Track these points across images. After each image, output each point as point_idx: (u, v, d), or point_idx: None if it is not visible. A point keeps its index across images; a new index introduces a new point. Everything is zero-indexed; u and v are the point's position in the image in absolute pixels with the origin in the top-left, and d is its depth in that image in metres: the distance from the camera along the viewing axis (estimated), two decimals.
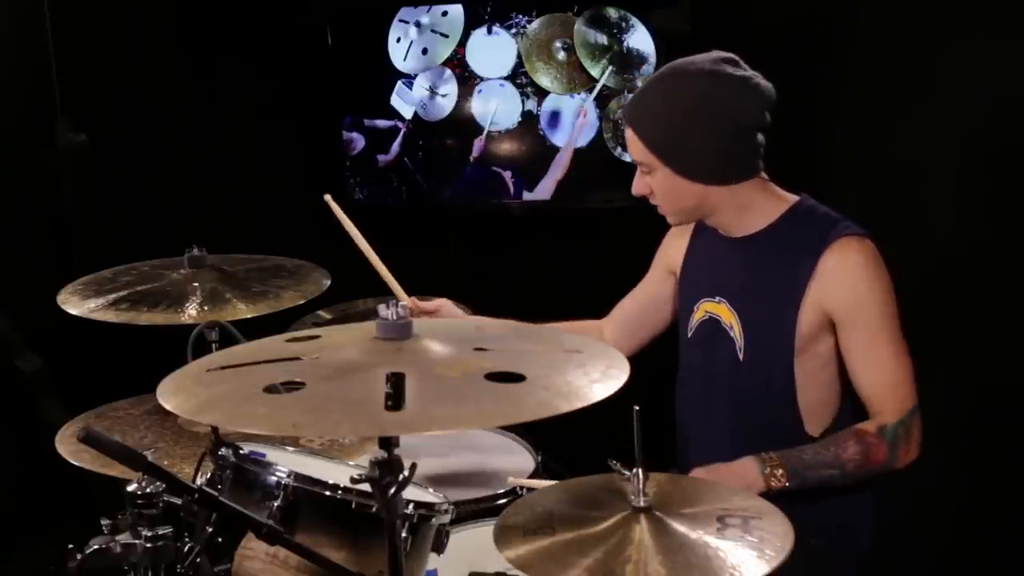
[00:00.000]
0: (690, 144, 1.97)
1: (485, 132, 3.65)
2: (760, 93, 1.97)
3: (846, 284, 1.95)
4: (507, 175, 3.68)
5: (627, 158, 3.56)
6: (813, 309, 1.97)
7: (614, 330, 2.36)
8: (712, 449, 2.09)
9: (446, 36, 3.64)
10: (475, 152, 3.67)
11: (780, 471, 1.90)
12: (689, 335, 2.17)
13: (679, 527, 1.51)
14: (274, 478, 1.63)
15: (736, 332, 2.05)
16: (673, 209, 2.07)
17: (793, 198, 2.08)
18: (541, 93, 3.60)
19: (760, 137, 2.00)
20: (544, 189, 3.66)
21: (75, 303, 2.09)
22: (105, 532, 1.69)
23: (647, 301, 2.34)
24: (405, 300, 2.33)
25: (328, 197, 2.36)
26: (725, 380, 2.08)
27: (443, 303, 2.38)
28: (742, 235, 2.08)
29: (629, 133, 2.04)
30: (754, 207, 2.05)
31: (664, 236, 2.33)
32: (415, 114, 3.69)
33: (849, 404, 2.05)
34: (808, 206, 2.06)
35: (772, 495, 1.87)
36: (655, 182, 2.03)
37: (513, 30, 3.58)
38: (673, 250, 2.28)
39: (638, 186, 2.07)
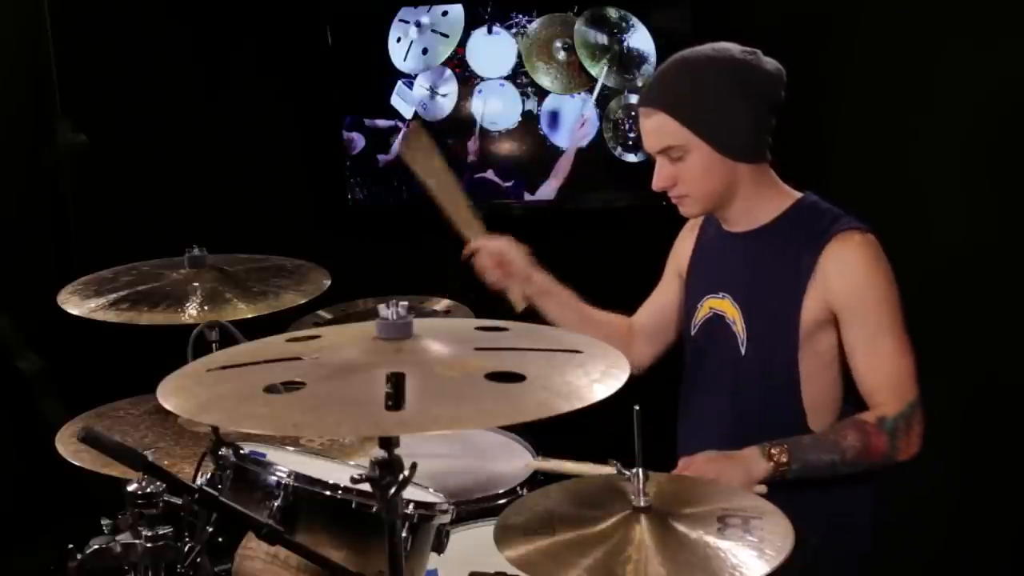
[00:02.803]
0: (727, 117, 1.98)
1: (478, 130, 3.65)
2: (778, 70, 2.03)
3: (848, 277, 1.95)
4: (498, 179, 3.69)
5: (629, 158, 3.60)
6: (815, 303, 1.97)
7: (637, 337, 2.36)
8: (715, 447, 2.09)
9: (446, 36, 3.64)
10: (471, 155, 3.68)
11: (779, 450, 1.89)
12: (693, 333, 2.17)
13: (679, 527, 1.51)
14: (274, 478, 1.63)
15: (739, 327, 2.06)
16: (702, 193, 2.03)
17: (797, 194, 2.09)
18: (541, 93, 3.60)
19: (774, 120, 2.04)
20: (545, 191, 3.66)
21: (75, 303, 2.09)
22: (105, 532, 1.69)
23: (662, 306, 2.33)
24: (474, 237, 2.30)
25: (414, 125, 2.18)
26: (728, 376, 2.08)
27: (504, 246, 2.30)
28: (746, 229, 2.08)
29: (658, 119, 2.00)
30: (765, 196, 2.06)
31: (673, 238, 2.33)
32: (415, 114, 3.69)
33: (852, 405, 2.05)
34: (811, 202, 2.07)
35: (776, 482, 1.88)
36: (687, 166, 2.00)
37: (513, 30, 3.59)
38: (681, 253, 2.28)
39: (662, 178, 2.04)
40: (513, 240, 2.29)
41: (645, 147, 2.07)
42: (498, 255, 2.27)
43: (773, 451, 1.90)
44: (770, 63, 2.03)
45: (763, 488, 1.89)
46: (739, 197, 2.05)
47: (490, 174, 3.69)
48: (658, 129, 2.01)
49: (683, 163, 2.01)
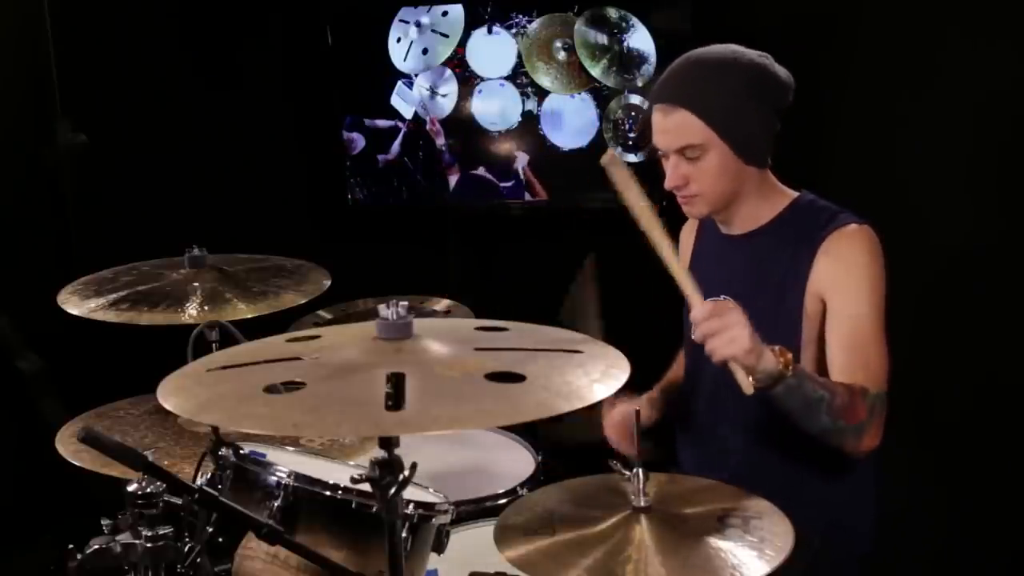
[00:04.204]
0: (747, 121, 1.97)
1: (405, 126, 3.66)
2: (788, 77, 2.02)
3: (838, 264, 1.95)
4: (492, 176, 3.69)
5: (629, 158, 3.59)
6: (813, 299, 1.97)
7: None
8: (722, 448, 2.08)
9: (446, 36, 3.64)
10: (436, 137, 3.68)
11: (788, 356, 1.80)
12: (694, 335, 2.16)
13: (679, 527, 1.51)
14: (274, 478, 1.63)
15: None
16: (714, 193, 2.02)
17: (793, 193, 2.09)
18: (541, 93, 3.60)
19: (778, 125, 2.04)
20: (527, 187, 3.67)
21: (75, 303, 2.09)
22: (105, 532, 1.69)
23: None
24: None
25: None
26: (731, 378, 2.08)
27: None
28: (745, 231, 2.08)
29: (680, 116, 1.97)
30: (767, 198, 2.06)
31: (673, 240, 2.32)
32: (415, 114, 3.69)
33: None
34: (808, 200, 2.07)
35: (766, 391, 1.80)
36: (703, 165, 1.99)
37: (513, 30, 3.59)
38: (682, 256, 2.28)
39: (676, 177, 2.01)
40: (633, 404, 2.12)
41: (659, 144, 2.03)
42: (624, 423, 2.16)
43: (786, 352, 1.80)
44: (782, 70, 2.02)
45: (749, 387, 1.78)
46: (744, 200, 2.05)
47: (481, 171, 3.69)
48: (679, 127, 1.99)
49: (700, 163, 1.99)
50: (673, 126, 1.99)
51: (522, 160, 3.65)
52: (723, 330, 1.75)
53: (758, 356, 1.75)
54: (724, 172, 2.00)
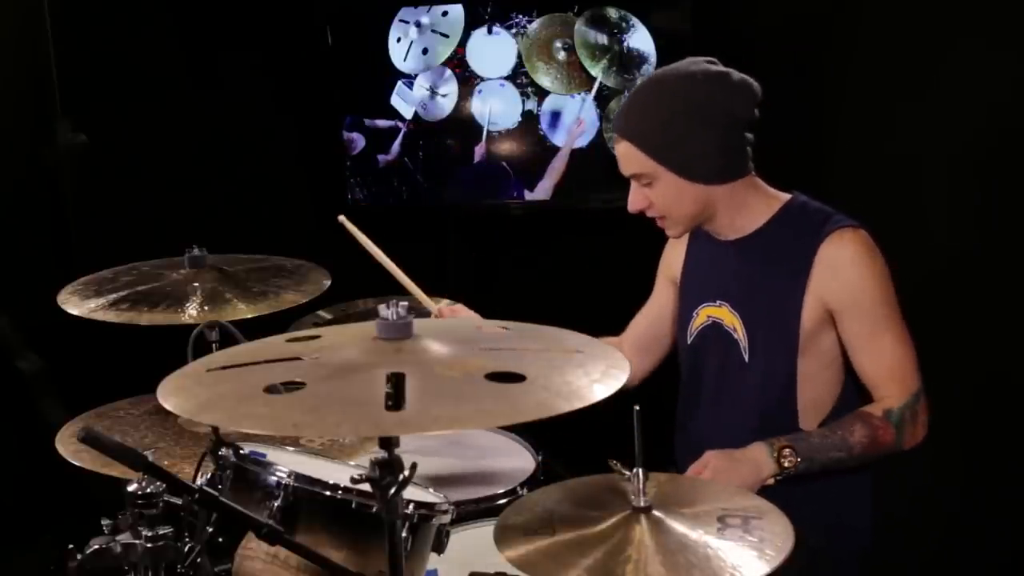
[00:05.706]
0: (691, 145, 1.97)
1: (484, 135, 3.65)
2: (748, 88, 2.00)
3: (844, 275, 1.96)
4: (510, 170, 3.69)
5: None
6: (814, 303, 1.98)
7: (630, 349, 2.35)
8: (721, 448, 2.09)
9: (446, 36, 3.64)
10: (476, 158, 3.67)
11: (789, 451, 1.90)
12: (689, 341, 2.17)
13: (679, 527, 1.51)
14: (274, 478, 1.63)
15: (740, 334, 2.06)
16: (676, 216, 2.05)
17: (785, 196, 2.09)
18: (541, 93, 3.60)
19: (750, 135, 2.02)
20: (542, 190, 3.66)
21: (75, 303, 2.09)
22: (105, 532, 1.69)
23: (657, 315, 2.33)
24: (433, 308, 2.37)
25: (342, 218, 2.43)
26: (731, 382, 2.08)
27: (459, 308, 2.41)
28: (738, 236, 2.08)
29: (624, 148, 2.02)
30: (749, 206, 2.05)
31: (663, 245, 2.33)
32: (415, 114, 3.69)
33: (844, 404, 2.05)
34: (800, 203, 2.07)
35: (780, 479, 1.89)
36: (656, 192, 2.02)
37: (513, 30, 3.58)
38: (672, 260, 2.28)
39: (636, 201, 2.06)
40: (467, 309, 2.38)
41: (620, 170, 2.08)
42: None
43: (783, 450, 1.90)
44: (740, 81, 2.00)
45: (770, 480, 1.90)
46: (720, 213, 2.06)
47: (504, 164, 3.69)
48: (624, 157, 2.03)
49: (653, 188, 2.02)
50: (620, 155, 2.04)
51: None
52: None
53: (756, 482, 1.89)
54: (678, 197, 2.02)
